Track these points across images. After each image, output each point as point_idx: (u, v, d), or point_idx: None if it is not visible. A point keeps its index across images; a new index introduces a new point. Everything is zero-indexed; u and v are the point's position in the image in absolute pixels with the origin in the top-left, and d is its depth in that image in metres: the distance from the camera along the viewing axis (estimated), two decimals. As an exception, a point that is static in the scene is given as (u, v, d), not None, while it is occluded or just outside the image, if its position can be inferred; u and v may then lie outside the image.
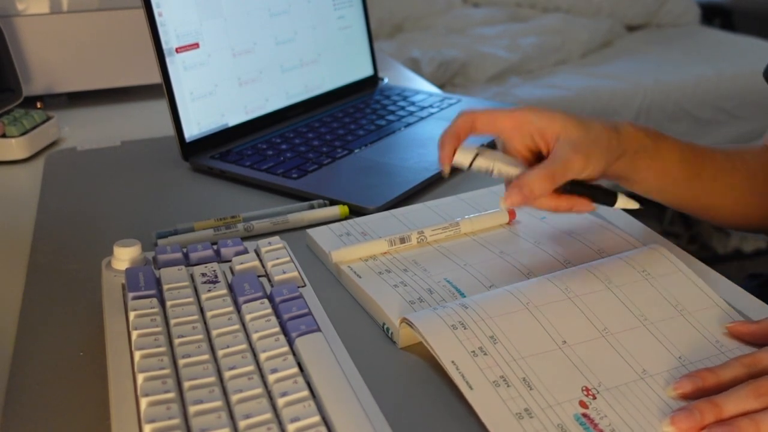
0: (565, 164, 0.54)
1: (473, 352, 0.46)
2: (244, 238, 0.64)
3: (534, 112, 0.57)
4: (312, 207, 0.71)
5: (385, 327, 0.52)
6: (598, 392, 0.45)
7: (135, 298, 0.50)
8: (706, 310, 0.52)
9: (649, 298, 0.52)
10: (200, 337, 0.46)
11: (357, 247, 0.60)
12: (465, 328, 0.47)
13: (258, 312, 0.48)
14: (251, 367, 0.43)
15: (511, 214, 0.66)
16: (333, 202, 0.71)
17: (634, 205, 0.60)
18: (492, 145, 0.60)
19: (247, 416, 0.39)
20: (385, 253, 0.61)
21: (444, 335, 0.47)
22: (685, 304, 0.52)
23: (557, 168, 0.54)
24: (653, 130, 0.61)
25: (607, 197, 0.59)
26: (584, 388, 0.45)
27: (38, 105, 0.98)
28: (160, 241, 0.64)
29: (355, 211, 0.70)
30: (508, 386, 0.44)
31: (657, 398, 0.44)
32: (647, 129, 0.60)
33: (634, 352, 0.48)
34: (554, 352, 0.47)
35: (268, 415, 0.40)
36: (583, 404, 0.44)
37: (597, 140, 0.56)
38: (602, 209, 0.71)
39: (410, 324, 0.49)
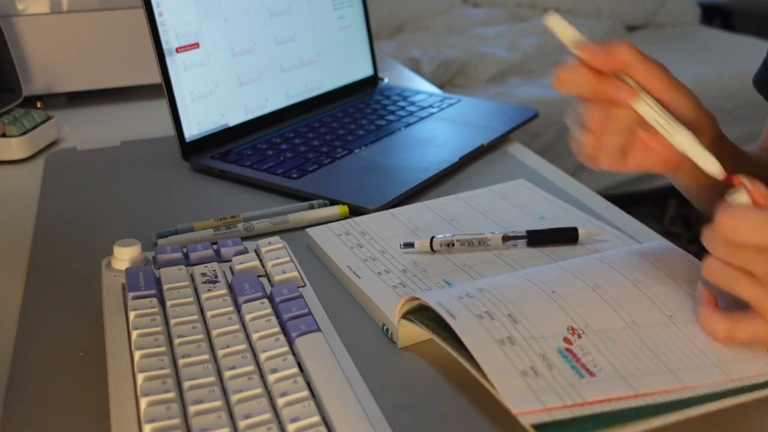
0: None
1: (459, 297, 0.46)
2: (244, 238, 0.64)
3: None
4: (312, 207, 0.71)
5: (385, 327, 0.52)
6: (583, 332, 0.44)
7: (135, 297, 0.50)
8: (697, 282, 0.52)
9: (642, 266, 0.52)
10: (200, 337, 0.46)
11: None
12: (452, 286, 0.48)
13: (258, 312, 0.49)
14: (251, 367, 0.43)
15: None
16: (333, 202, 0.71)
17: (598, 232, 0.61)
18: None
19: (247, 416, 0.39)
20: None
21: (432, 292, 0.47)
22: (679, 274, 0.51)
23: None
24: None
25: (569, 234, 0.61)
26: (570, 328, 0.45)
27: (38, 105, 0.98)
28: (160, 241, 0.64)
29: (355, 211, 0.70)
30: (492, 319, 0.44)
31: (644, 346, 0.44)
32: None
33: (624, 305, 0.47)
34: (542, 297, 0.47)
35: (268, 415, 0.40)
36: (567, 341, 0.43)
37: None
38: (603, 210, 0.72)
39: (407, 306, 0.49)
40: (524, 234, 0.61)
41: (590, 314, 0.46)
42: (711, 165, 0.47)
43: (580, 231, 0.61)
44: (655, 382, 0.41)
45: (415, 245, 0.61)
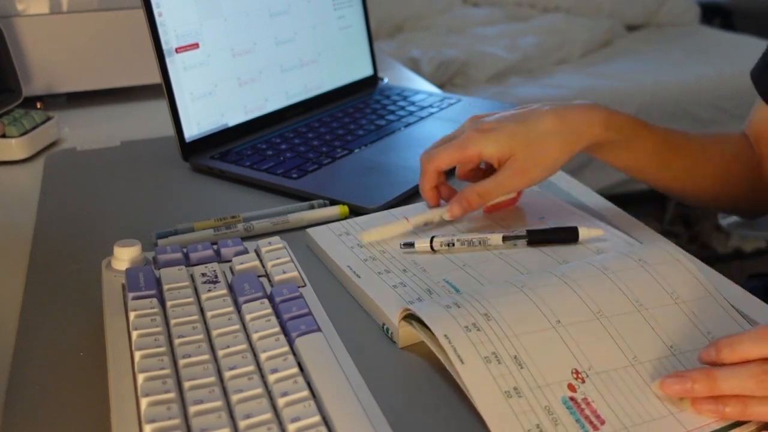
0: (498, 186, 0.63)
1: (466, 327, 0.46)
2: (244, 238, 0.64)
3: (484, 142, 0.63)
4: (312, 207, 0.71)
5: (385, 327, 0.52)
6: (587, 376, 0.45)
7: (135, 298, 0.50)
8: (701, 300, 0.52)
9: (645, 283, 0.52)
10: (200, 337, 0.46)
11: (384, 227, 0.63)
12: (459, 307, 0.47)
13: (258, 312, 0.49)
14: (251, 367, 0.43)
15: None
16: (333, 202, 0.71)
17: (598, 232, 0.62)
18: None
19: (248, 416, 0.39)
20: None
21: (438, 313, 0.47)
22: (681, 292, 0.52)
23: (490, 188, 0.63)
24: (632, 122, 0.66)
25: (569, 234, 0.61)
26: (574, 371, 0.45)
27: (38, 105, 0.98)
28: (160, 241, 0.64)
29: (355, 211, 0.70)
30: (499, 363, 0.44)
31: (646, 388, 0.44)
32: (624, 123, 0.65)
33: (627, 336, 0.48)
34: (547, 331, 0.47)
35: (269, 415, 0.40)
36: (571, 387, 0.44)
37: (545, 154, 0.63)
38: (603, 210, 0.72)
39: (407, 312, 0.49)
40: (524, 233, 0.61)
41: (594, 352, 0.46)
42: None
43: (581, 230, 0.61)
44: (660, 430, 0.42)
45: (415, 245, 0.61)
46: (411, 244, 0.61)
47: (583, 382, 0.44)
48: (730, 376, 0.42)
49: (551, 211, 0.68)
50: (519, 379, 0.44)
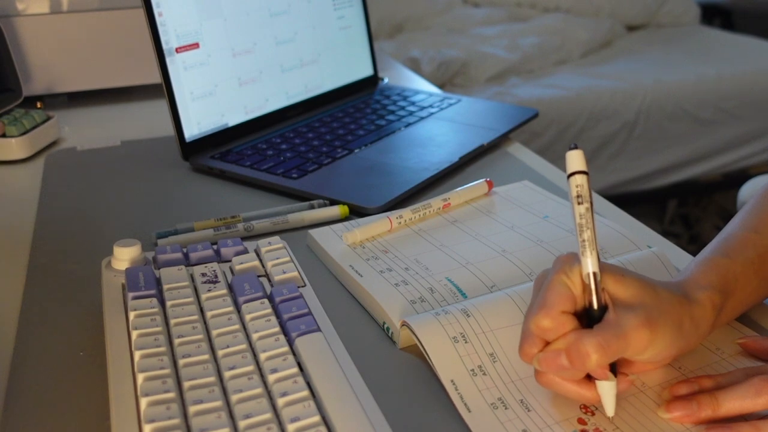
0: (625, 336, 0.42)
1: (473, 371, 0.46)
2: (244, 238, 0.64)
3: (643, 351, 0.43)
4: (312, 207, 0.71)
5: (386, 326, 0.52)
6: (596, 408, 0.44)
7: (135, 298, 0.50)
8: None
9: None
10: (200, 337, 0.46)
11: (366, 227, 0.63)
12: (466, 342, 0.47)
13: (258, 312, 0.48)
14: (251, 367, 0.43)
15: (490, 184, 0.72)
16: (333, 202, 0.71)
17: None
18: None
19: (247, 416, 0.39)
20: (389, 231, 0.64)
21: (445, 349, 0.47)
22: None
23: (614, 339, 0.41)
24: (720, 284, 0.48)
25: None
26: (582, 406, 0.44)
27: (38, 105, 0.98)
28: (160, 241, 0.64)
29: (355, 211, 0.70)
30: (506, 408, 0.44)
31: (655, 409, 0.44)
32: (717, 281, 0.48)
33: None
34: None
35: (268, 415, 0.40)
36: (581, 421, 0.43)
37: (667, 314, 0.44)
38: (603, 210, 0.72)
39: (411, 330, 0.49)
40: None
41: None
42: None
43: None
44: None
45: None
46: None
47: (593, 414, 0.44)
48: (730, 393, 0.43)
49: (555, 210, 0.68)
50: (528, 422, 0.43)
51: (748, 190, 1.35)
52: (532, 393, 0.45)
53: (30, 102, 0.97)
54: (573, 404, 0.44)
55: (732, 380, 0.44)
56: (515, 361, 0.47)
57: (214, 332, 0.47)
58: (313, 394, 0.42)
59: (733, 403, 0.42)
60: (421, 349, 0.48)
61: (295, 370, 0.43)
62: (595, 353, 0.40)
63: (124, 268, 0.54)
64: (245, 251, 0.58)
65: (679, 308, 0.44)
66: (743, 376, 0.45)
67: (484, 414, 0.44)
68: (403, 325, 0.50)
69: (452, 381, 0.45)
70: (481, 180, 0.72)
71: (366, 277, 0.57)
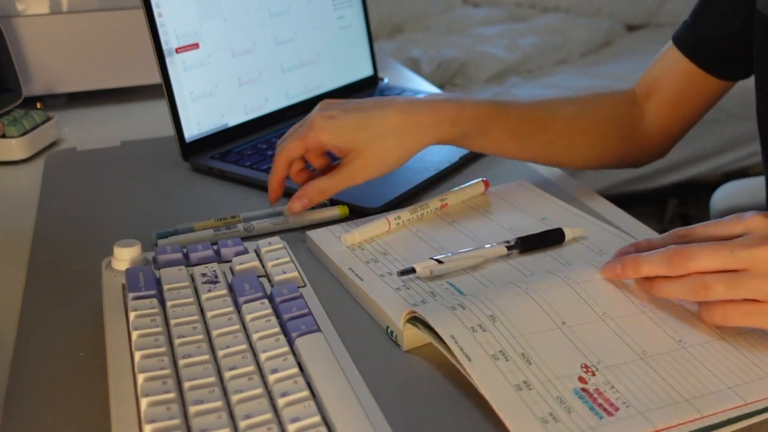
0: (338, 183, 0.64)
1: (472, 328, 0.46)
2: (244, 239, 0.64)
3: (325, 133, 0.63)
4: (312, 207, 0.70)
5: (389, 330, 0.52)
6: (597, 369, 0.45)
7: (135, 298, 0.50)
8: None
9: None
10: (200, 337, 0.46)
11: (365, 229, 0.63)
12: (464, 309, 0.48)
13: (258, 312, 0.49)
14: (251, 368, 0.43)
15: (486, 183, 0.72)
16: (333, 203, 0.71)
17: (579, 231, 0.62)
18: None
19: (248, 416, 0.39)
20: (388, 231, 0.64)
21: (443, 315, 0.47)
22: None
23: (332, 184, 0.64)
24: (486, 110, 0.67)
25: (556, 236, 0.61)
26: (583, 365, 0.45)
27: (38, 105, 0.98)
28: (160, 242, 0.64)
29: (355, 211, 0.70)
30: (506, 360, 0.44)
31: (658, 377, 0.44)
32: (475, 114, 0.66)
33: (634, 334, 0.48)
34: (553, 332, 0.47)
35: (269, 415, 0.40)
36: (582, 380, 0.44)
37: (388, 153, 0.64)
38: (603, 210, 0.72)
39: (412, 314, 0.49)
40: (516, 243, 0.59)
41: (602, 349, 0.46)
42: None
43: (566, 230, 0.62)
44: (673, 415, 0.42)
45: (417, 271, 0.56)
46: (412, 270, 0.56)
47: (594, 375, 0.44)
48: (648, 259, 0.49)
49: (552, 212, 0.68)
50: (528, 373, 0.44)
51: (721, 196, 1.36)
52: (533, 348, 0.45)
53: (30, 102, 0.97)
54: (574, 361, 0.45)
55: (664, 243, 0.50)
56: (516, 320, 0.47)
57: (214, 332, 0.47)
58: (314, 394, 0.42)
59: (650, 267, 0.48)
60: (423, 332, 0.48)
61: (295, 370, 0.43)
62: (317, 193, 0.65)
63: (124, 269, 0.54)
64: (245, 251, 0.58)
65: (411, 135, 0.64)
66: (675, 237, 0.51)
67: (485, 363, 0.44)
68: (406, 321, 0.49)
69: (452, 336, 0.45)
70: (477, 180, 0.72)
71: (367, 281, 0.57)
